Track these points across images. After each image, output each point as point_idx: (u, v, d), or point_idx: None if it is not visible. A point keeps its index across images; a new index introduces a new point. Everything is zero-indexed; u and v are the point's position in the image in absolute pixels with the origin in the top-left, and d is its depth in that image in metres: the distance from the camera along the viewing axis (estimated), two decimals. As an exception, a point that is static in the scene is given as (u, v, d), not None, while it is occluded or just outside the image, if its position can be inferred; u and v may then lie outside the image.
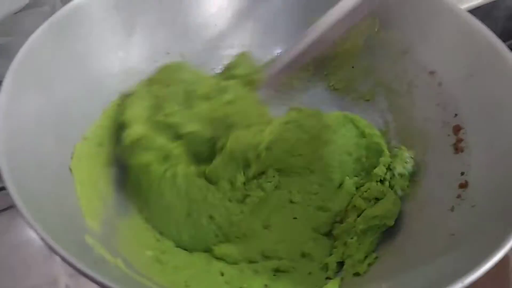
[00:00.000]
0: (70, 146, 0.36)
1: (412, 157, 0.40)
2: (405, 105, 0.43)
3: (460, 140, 0.37)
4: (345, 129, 0.44)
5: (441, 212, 0.34)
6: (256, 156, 0.40)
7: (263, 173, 0.41)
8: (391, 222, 0.37)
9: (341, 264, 0.37)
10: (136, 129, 0.38)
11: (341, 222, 0.39)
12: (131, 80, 0.42)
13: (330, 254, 0.37)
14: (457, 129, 0.38)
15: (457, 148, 0.37)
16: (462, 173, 0.35)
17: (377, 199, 0.38)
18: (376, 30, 0.44)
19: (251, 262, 0.37)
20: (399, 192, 0.39)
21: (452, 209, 0.34)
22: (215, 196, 0.39)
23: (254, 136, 0.40)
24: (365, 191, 0.39)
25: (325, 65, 0.48)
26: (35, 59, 0.35)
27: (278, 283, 0.35)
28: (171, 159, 0.39)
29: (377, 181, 0.40)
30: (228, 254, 0.37)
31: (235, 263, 0.37)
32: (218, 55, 0.48)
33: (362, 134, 0.44)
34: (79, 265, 0.26)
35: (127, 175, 0.39)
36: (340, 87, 0.48)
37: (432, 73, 0.40)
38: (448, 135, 0.38)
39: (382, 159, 0.41)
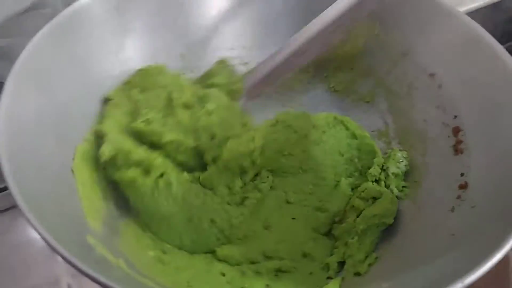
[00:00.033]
0: (71, 147, 0.36)
1: (404, 157, 0.41)
2: (405, 107, 0.43)
3: (459, 142, 0.37)
4: (335, 130, 0.45)
5: (441, 212, 0.35)
6: (251, 163, 0.40)
7: (257, 174, 0.42)
8: (390, 220, 0.37)
9: (341, 264, 0.37)
10: (110, 145, 0.36)
11: (340, 222, 0.40)
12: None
13: (331, 254, 0.38)
14: (456, 130, 0.38)
15: (457, 149, 0.37)
16: (462, 174, 0.35)
17: (374, 199, 0.39)
18: (376, 32, 0.44)
19: (252, 262, 0.37)
20: (395, 191, 0.40)
21: (452, 210, 0.34)
22: (213, 200, 0.39)
23: (247, 145, 0.40)
24: (362, 191, 0.40)
25: (325, 66, 0.48)
26: (37, 61, 0.35)
27: (279, 283, 0.36)
28: (154, 169, 0.38)
29: (372, 181, 0.41)
30: (231, 255, 0.37)
31: (237, 264, 0.37)
32: (218, 57, 0.47)
33: (353, 135, 0.44)
34: (81, 265, 0.26)
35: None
36: (340, 89, 0.48)
37: (432, 75, 0.41)
38: (448, 136, 0.38)
39: (376, 159, 0.42)
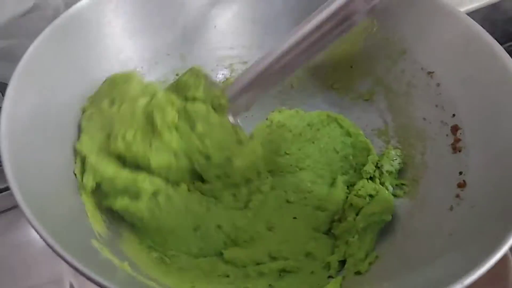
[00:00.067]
0: (73, 148, 0.36)
1: (398, 155, 0.42)
2: (404, 105, 0.43)
3: (458, 140, 0.37)
4: (329, 128, 0.45)
5: (440, 211, 0.35)
6: (257, 174, 0.41)
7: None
8: (389, 217, 0.38)
9: (342, 263, 0.37)
10: (91, 175, 0.34)
11: (339, 221, 0.40)
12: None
13: (332, 253, 0.38)
14: (455, 129, 0.38)
15: (455, 148, 0.37)
16: (460, 173, 0.36)
17: (371, 196, 0.39)
18: (374, 30, 0.44)
19: (258, 264, 0.37)
20: (390, 188, 0.40)
21: (451, 209, 0.34)
22: (218, 206, 0.39)
23: (250, 159, 0.39)
24: (359, 189, 0.40)
25: (324, 65, 0.48)
26: (38, 63, 0.35)
27: (282, 283, 0.36)
28: (144, 192, 0.35)
29: (367, 179, 0.41)
30: (237, 257, 0.37)
31: (243, 266, 0.37)
32: (218, 56, 0.48)
33: (347, 133, 0.45)
34: (86, 270, 0.26)
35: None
36: (339, 87, 0.48)
37: (430, 73, 0.41)
38: (447, 135, 0.38)
39: (370, 157, 0.42)
